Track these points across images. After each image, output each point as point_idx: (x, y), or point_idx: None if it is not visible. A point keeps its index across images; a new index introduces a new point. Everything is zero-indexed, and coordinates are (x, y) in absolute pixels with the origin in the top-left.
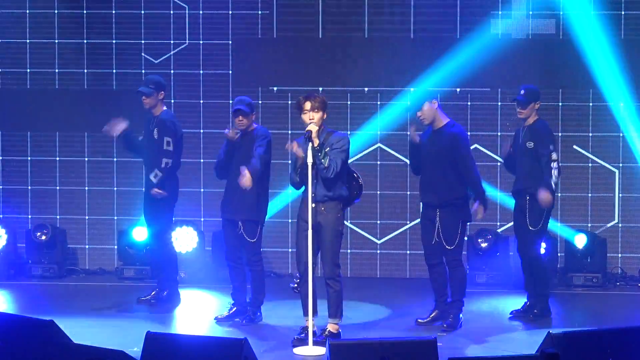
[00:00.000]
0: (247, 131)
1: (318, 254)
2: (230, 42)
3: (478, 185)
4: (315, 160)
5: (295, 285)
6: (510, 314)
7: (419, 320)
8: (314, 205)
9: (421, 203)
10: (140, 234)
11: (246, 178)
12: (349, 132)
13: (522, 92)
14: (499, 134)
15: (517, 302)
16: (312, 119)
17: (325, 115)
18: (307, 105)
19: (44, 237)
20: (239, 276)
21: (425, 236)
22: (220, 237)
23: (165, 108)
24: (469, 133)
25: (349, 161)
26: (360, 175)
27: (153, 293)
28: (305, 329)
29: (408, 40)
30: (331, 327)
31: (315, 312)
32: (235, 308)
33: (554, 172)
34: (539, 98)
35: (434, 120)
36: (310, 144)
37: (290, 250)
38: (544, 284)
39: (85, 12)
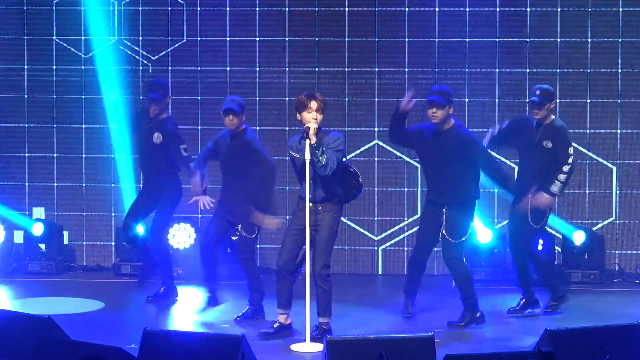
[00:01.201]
0: (237, 132)
1: (302, 248)
2: (228, 39)
3: (504, 172)
4: (312, 157)
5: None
6: (507, 312)
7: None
8: (311, 204)
9: (426, 200)
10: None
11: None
12: (346, 129)
13: (537, 92)
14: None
15: (515, 298)
16: (315, 118)
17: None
18: (314, 104)
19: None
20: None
21: (424, 232)
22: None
23: (169, 112)
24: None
25: (348, 157)
26: (360, 174)
27: (162, 290)
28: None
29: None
30: (323, 325)
31: (289, 305)
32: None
33: (561, 177)
34: (553, 98)
35: (442, 122)
36: (307, 141)
37: None
38: (550, 275)
39: (83, 8)
